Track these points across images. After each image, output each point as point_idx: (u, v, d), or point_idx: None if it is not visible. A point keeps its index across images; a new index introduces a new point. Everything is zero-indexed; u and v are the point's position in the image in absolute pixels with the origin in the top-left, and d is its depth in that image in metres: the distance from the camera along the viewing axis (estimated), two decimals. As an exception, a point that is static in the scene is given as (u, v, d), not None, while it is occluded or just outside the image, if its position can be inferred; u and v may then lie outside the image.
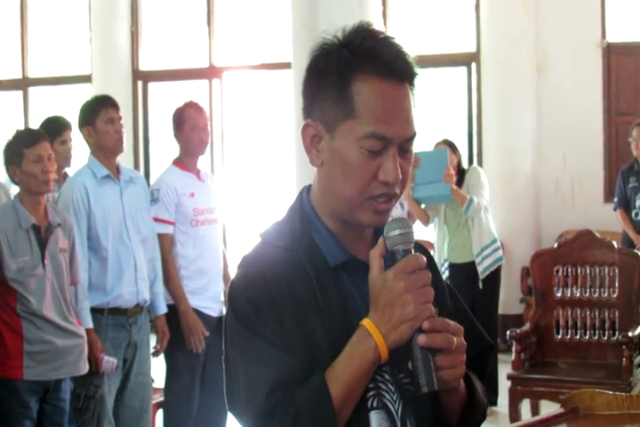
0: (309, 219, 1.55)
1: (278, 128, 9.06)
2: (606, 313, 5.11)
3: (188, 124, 4.50)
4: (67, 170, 5.07)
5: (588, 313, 5.14)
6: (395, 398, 1.49)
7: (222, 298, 4.55)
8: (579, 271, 5.18)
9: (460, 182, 6.10)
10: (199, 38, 9.41)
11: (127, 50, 9.47)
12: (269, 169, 9.28)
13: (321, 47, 1.50)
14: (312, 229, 1.54)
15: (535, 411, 5.01)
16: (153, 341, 4.40)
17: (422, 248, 1.59)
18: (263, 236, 1.56)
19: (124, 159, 5.58)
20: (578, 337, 5.13)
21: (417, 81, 1.51)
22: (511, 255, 7.46)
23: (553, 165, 8.02)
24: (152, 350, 4.37)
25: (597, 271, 5.14)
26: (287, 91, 8.62)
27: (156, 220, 4.38)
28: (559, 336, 5.15)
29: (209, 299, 4.50)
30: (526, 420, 4.38)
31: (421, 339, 1.40)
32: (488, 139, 8.09)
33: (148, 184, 4.63)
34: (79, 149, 4.91)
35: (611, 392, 2.60)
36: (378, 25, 1.44)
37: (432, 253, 5.28)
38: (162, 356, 4.46)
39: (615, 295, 5.10)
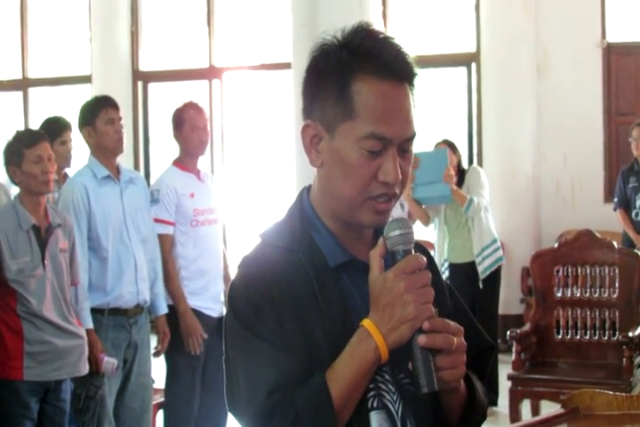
0: (309, 219, 1.55)
1: (278, 128, 9.06)
2: (606, 313, 5.11)
3: (188, 124, 4.50)
4: (67, 170, 5.07)
5: (588, 313, 5.14)
6: (395, 398, 1.49)
7: (222, 298, 4.55)
8: (579, 271, 5.18)
9: (460, 182, 6.10)
10: (199, 38, 9.41)
11: (127, 50, 9.47)
12: (269, 169, 9.28)
13: (320, 48, 1.50)
14: (312, 229, 1.54)
15: (535, 411, 5.01)
16: (153, 341, 4.40)
17: (422, 248, 1.59)
18: (263, 236, 1.56)
19: (124, 160, 5.58)
20: (578, 337, 5.13)
21: (417, 81, 1.51)
22: (511, 255, 7.46)
23: (553, 166, 8.02)
24: (153, 351, 4.37)
25: (598, 271, 5.15)
26: (287, 91, 8.62)
27: (156, 220, 4.38)
28: (559, 336, 5.15)
29: (209, 299, 4.50)
30: (527, 420, 4.38)
31: (421, 339, 1.40)
32: (488, 139, 8.09)
33: (149, 185, 4.63)
34: (79, 149, 4.91)
35: (611, 393, 2.60)
36: (378, 25, 1.44)
37: (432, 253, 5.29)
38: (162, 356, 4.46)
39: (615, 295, 5.10)
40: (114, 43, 9.41)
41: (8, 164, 3.82)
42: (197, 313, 4.46)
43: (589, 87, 7.97)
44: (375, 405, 1.48)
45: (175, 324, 4.38)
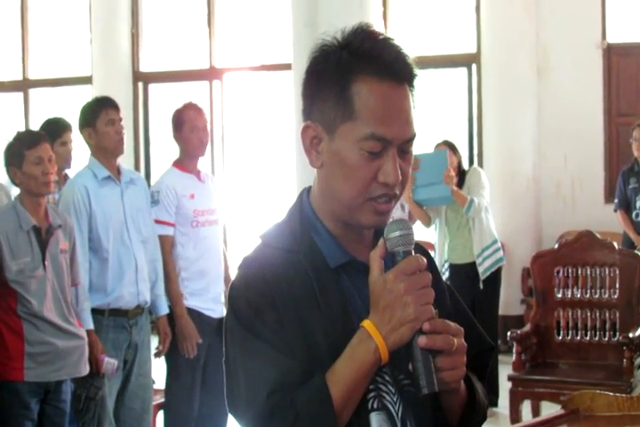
0: (309, 220, 1.55)
1: (279, 129, 9.06)
2: (607, 314, 5.11)
3: (188, 125, 4.50)
4: (67, 171, 5.07)
5: (588, 314, 5.14)
6: (395, 399, 1.49)
7: (223, 299, 4.55)
8: (579, 272, 5.18)
9: (460, 183, 6.10)
10: (199, 39, 9.41)
11: (128, 51, 9.47)
12: (270, 170, 9.28)
13: (320, 49, 1.50)
14: (312, 230, 1.54)
15: (536, 412, 5.01)
16: (154, 342, 4.40)
17: (422, 249, 1.59)
18: (263, 237, 1.56)
19: (125, 160, 5.58)
20: (578, 338, 5.13)
21: (416, 82, 1.51)
22: (512, 256, 7.46)
23: (553, 166, 8.02)
24: (154, 352, 4.37)
25: (598, 272, 5.15)
26: (288, 92, 8.62)
27: (156, 221, 4.38)
28: (560, 337, 5.15)
29: (209, 300, 4.50)
30: (527, 421, 4.38)
31: (422, 340, 1.40)
32: (488, 140, 8.09)
33: (149, 185, 4.63)
34: (80, 150, 4.91)
35: (611, 393, 2.60)
36: (378, 26, 1.44)
37: (432, 254, 5.30)
38: (162, 357, 4.46)
39: (616, 296, 5.10)
40: (114, 44, 9.41)
41: (8, 164, 3.82)
42: (198, 314, 4.46)
43: (590, 88, 7.97)
44: (375, 406, 1.48)
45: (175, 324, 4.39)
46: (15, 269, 3.68)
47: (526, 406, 5.02)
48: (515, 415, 4.91)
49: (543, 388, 4.89)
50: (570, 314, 5.17)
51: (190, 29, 9.51)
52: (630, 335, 4.77)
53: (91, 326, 3.98)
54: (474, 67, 8.28)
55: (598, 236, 5.25)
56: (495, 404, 5.77)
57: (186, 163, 4.56)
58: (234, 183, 9.19)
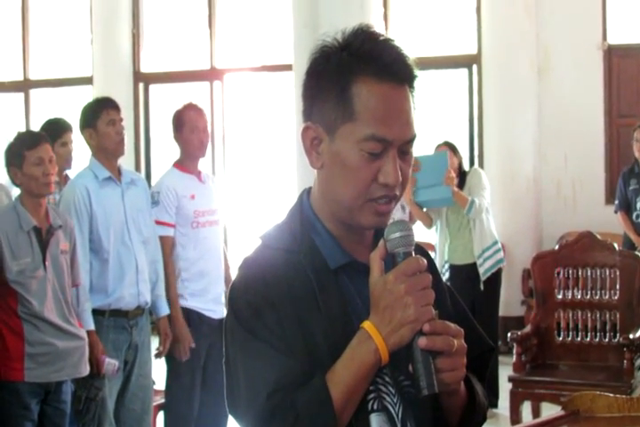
0: (310, 221, 1.55)
1: (279, 130, 9.06)
2: (607, 315, 5.11)
3: (188, 125, 4.50)
4: (67, 172, 5.07)
5: (589, 315, 5.14)
6: (395, 400, 1.49)
7: (223, 300, 4.54)
8: (580, 273, 5.18)
9: (461, 184, 6.10)
10: (200, 40, 9.42)
11: (128, 52, 9.47)
12: (270, 171, 9.28)
13: (320, 50, 1.50)
14: (312, 231, 1.54)
15: (536, 413, 5.01)
16: (155, 342, 4.40)
17: (422, 250, 1.59)
18: (264, 238, 1.56)
19: (125, 161, 5.58)
20: (579, 339, 5.13)
21: (417, 83, 1.51)
22: (512, 257, 7.46)
23: (554, 167, 8.02)
24: (155, 352, 4.37)
25: (598, 273, 5.15)
26: (288, 93, 8.62)
27: (157, 222, 4.38)
28: (560, 338, 5.15)
29: (210, 301, 4.50)
30: (527, 422, 4.38)
31: (422, 341, 1.40)
32: (489, 141, 8.09)
33: (150, 186, 4.63)
34: (80, 151, 4.91)
35: (612, 395, 2.60)
36: (379, 27, 1.44)
37: (433, 255, 5.30)
38: (163, 357, 4.46)
39: (616, 297, 5.10)
40: (115, 44, 9.42)
41: (9, 165, 3.82)
42: (198, 315, 4.46)
43: (590, 89, 7.97)
44: (375, 407, 1.48)
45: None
46: (16, 270, 3.68)
47: (526, 408, 5.02)
48: (515, 416, 4.90)
49: (543, 389, 4.89)
50: (570, 315, 5.17)
51: (191, 30, 9.51)
52: (631, 336, 4.77)
53: (91, 326, 3.97)
54: (474, 68, 8.28)
55: (599, 237, 5.25)
56: (495, 405, 5.75)
57: (186, 163, 4.56)
58: (234, 184, 9.19)
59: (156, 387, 4.52)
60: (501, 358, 5.87)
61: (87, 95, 8.92)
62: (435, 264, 1.64)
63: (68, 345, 3.77)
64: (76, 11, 9.85)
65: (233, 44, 9.30)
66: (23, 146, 3.79)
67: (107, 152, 4.18)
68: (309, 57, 1.52)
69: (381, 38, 1.49)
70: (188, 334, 4.37)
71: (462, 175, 6.18)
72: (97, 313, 4.05)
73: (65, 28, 10.00)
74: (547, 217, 8.01)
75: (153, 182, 5.05)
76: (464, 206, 5.95)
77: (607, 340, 5.07)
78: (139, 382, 4.21)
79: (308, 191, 1.59)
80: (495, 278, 6.10)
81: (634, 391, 4.62)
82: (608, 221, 7.17)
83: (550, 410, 4.22)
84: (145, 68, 9.57)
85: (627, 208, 6.81)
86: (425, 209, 6.24)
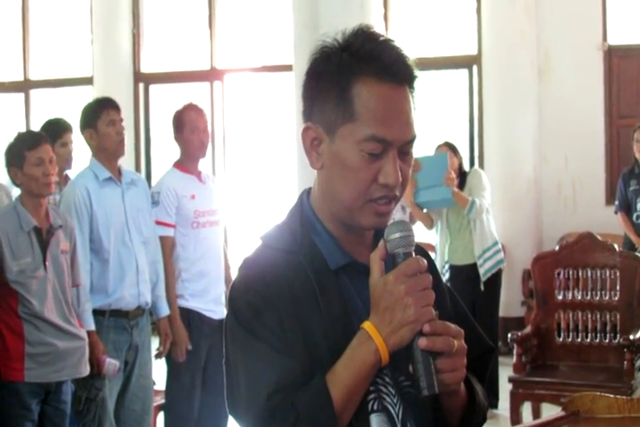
0: (310, 222, 1.55)
1: (279, 130, 9.06)
2: (607, 316, 5.11)
3: (188, 126, 4.50)
4: (67, 172, 5.07)
5: (589, 316, 5.14)
6: (395, 401, 1.49)
7: (224, 300, 4.54)
8: (580, 274, 5.18)
9: (461, 185, 6.10)
10: (201, 40, 9.42)
11: (129, 52, 9.47)
12: (270, 171, 9.28)
13: (321, 50, 1.50)
14: (312, 231, 1.54)
15: (536, 414, 5.01)
16: (155, 343, 4.40)
17: (422, 251, 1.59)
18: (264, 238, 1.56)
19: (126, 161, 5.58)
20: (579, 340, 5.13)
21: (417, 84, 1.51)
22: (512, 258, 7.46)
23: (554, 168, 8.02)
24: (155, 353, 4.37)
25: (599, 274, 5.14)
26: (289, 93, 8.62)
27: (157, 223, 4.38)
28: (560, 339, 5.15)
29: (210, 301, 4.50)
30: (527, 423, 4.38)
31: (422, 342, 1.40)
32: (489, 141, 8.09)
33: (150, 186, 4.63)
34: (80, 151, 4.91)
35: (612, 395, 2.60)
36: (379, 27, 1.44)
37: (433, 255, 5.30)
38: (163, 358, 4.46)
39: (616, 298, 5.10)
40: (115, 44, 9.42)
41: (9, 165, 3.82)
42: (198, 315, 4.46)
43: (590, 90, 7.97)
44: (375, 407, 1.48)
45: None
46: (16, 270, 3.68)
47: (527, 408, 5.02)
48: (515, 417, 4.90)
49: (544, 390, 4.89)
50: (570, 316, 5.17)
51: (191, 30, 9.52)
52: (631, 337, 4.77)
53: (92, 326, 3.97)
54: (474, 68, 8.28)
55: (599, 238, 5.25)
56: (495, 406, 5.75)
57: (186, 164, 4.55)
58: (234, 184, 9.19)
59: (156, 387, 4.52)
60: (502, 359, 5.87)
61: (87, 95, 8.92)
62: (435, 265, 1.64)
63: (68, 345, 3.77)
64: (77, 11, 9.85)
65: (233, 45, 9.31)
66: (23, 146, 3.79)
67: (107, 152, 4.18)
68: (309, 57, 1.52)
69: (381, 39, 1.49)
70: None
71: (463, 176, 6.18)
72: (97, 313, 4.04)
73: (65, 29, 10.01)
74: (547, 218, 8.01)
75: (153, 183, 5.05)
76: (464, 207, 5.95)
77: (607, 341, 5.07)
78: (139, 382, 4.21)
79: (308, 192, 1.59)
80: (495, 279, 6.10)
81: (634, 392, 4.61)
82: (608, 222, 7.17)
83: (550, 411, 4.22)
84: (145, 68, 9.57)
85: (627, 209, 6.81)
86: (425, 210, 6.24)
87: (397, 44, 1.49)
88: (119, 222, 4.14)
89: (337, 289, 1.49)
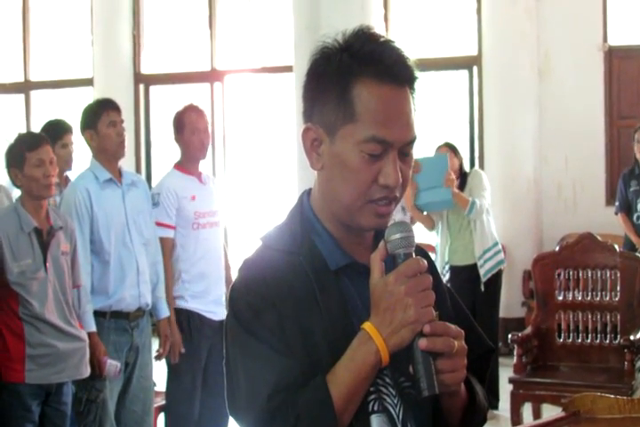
0: (310, 222, 1.55)
1: (280, 131, 9.06)
2: (608, 317, 5.11)
3: (189, 127, 4.50)
4: (68, 173, 5.07)
5: (589, 317, 5.14)
6: (396, 401, 1.49)
7: (224, 301, 4.54)
8: (580, 275, 5.18)
9: (462, 186, 6.11)
10: (201, 41, 9.42)
11: (129, 53, 9.47)
12: (271, 172, 9.28)
13: (321, 51, 1.50)
14: (313, 232, 1.54)
15: (537, 415, 5.01)
16: (155, 344, 4.40)
17: (423, 252, 1.59)
18: (264, 239, 1.56)
19: (126, 163, 5.58)
20: (579, 341, 5.13)
21: (417, 85, 1.51)
22: (513, 258, 7.46)
23: (555, 169, 8.02)
24: (155, 354, 4.37)
25: (599, 275, 5.14)
26: (289, 94, 8.62)
27: (157, 224, 4.38)
28: (561, 340, 5.15)
29: (210, 302, 4.50)
30: (528, 423, 4.38)
31: (422, 343, 1.40)
32: (490, 142, 8.09)
33: (150, 188, 4.63)
34: (81, 152, 4.91)
35: (612, 396, 2.60)
36: (379, 28, 1.44)
37: (433, 256, 5.30)
38: (163, 359, 4.46)
39: (617, 299, 5.10)
40: (116, 45, 9.42)
41: (10, 166, 3.82)
42: (199, 316, 4.46)
43: (591, 90, 7.97)
44: (376, 408, 1.48)
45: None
46: (16, 271, 3.68)
47: (527, 409, 5.02)
48: (516, 418, 4.90)
49: (544, 390, 4.88)
50: (571, 316, 5.17)
51: (191, 31, 9.52)
52: (631, 338, 4.77)
53: (93, 328, 3.97)
54: (475, 69, 8.28)
55: (599, 238, 5.25)
56: (495, 406, 5.76)
57: (187, 165, 4.56)
58: (235, 185, 9.20)
59: (156, 388, 4.52)
60: (502, 360, 5.88)
61: (88, 97, 8.93)
62: (435, 265, 1.64)
63: (68, 347, 3.77)
64: (77, 12, 9.86)
65: (233, 46, 9.31)
66: (24, 147, 3.79)
67: (107, 154, 4.18)
68: (310, 58, 1.52)
69: (382, 40, 1.49)
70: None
71: (463, 176, 6.18)
72: (98, 315, 4.05)
73: (65, 30, 10.01)
74: (547, 218, 8.01)
75: (153, 184, 5.05)
76: (465, 207, 5.96)
77: (608, 341, 5.07)
78: (140, 383, 4.21)
79: (308, 192, 1.59)
80: (496, 280, 6.10)
81: (634, 393, 4.62)
82: (608, 223, 7.17)
83: (551, 411, 4.22)
84: (145, 69, 9.58)
85: (627, 209, 6.81)
86: (425, 213, 6.25)
87: (398, 44, 1.49)
88: (120, 224, 4.14)
89: (337, 290, 1.49)
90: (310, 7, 8.29)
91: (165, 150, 8.50)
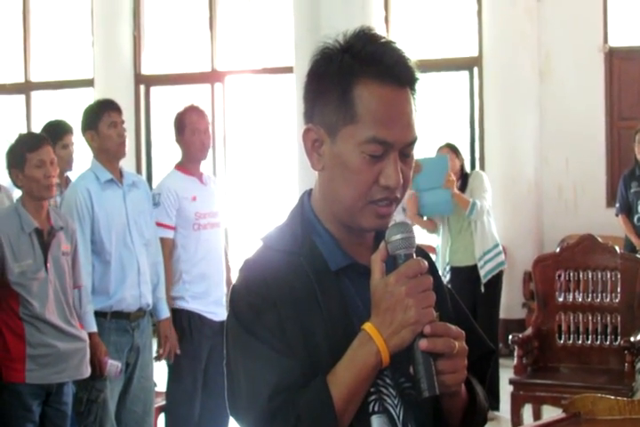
0: (310, 223, 1.55)
1: (280, 132, 9.07)
2: (608, 318, 5.11)
3: (189, 128, 4.51)
4: (68, 174, 5.07)
5: (590, 318, 5.14)
6: (396, 402, 1.49)
7: (225, 302, 4.54)
8: (581, 276, 5.18)
9: (462, 187, 6.11)
10: (201, 42, 9.42)
11: (129, 54, 9.48)
12: (271, 173, 9.28)
13: (322, 52, 1.50)
14: (313, 233, 1.54)
15: (537, 416, 5.00)
16: (155, 345, 4.40)
17: (423, 253, 1.59)
18: (265, 240, 1.56)
19: (127, 163, 5.59)
20: (580, 342, 5.13)
21: (418, 85, 1.51)
22: (513, 260, 7.46)
23: (555, 170, 8.02)
24: (155, 355, 4.37)
25: (599, 276, 5.14)
26: (289, 95, 8.63)
27: (157, 224, 4.38)
28: (561, 341, 5.15)
29: (211, 303, 4.50)
30: (528, 425, 4.38)
31: (423, 343, 1.40)
32: (490, 143, 8.09)
33: (151, 188, 4.63)
34: (82, 153, 4.91)
35: (613, 397, 2.60)
36: (380, 29, 1.44)
37: (434, 257, 5.30)
38: (164, 359, 4.46)
39: (617, 300, 5.10)
40: (116, 46, 9.42)
41: (11, 167, 3.82)
42: (199, 317, 4.46)
43: (591, 91, 7.97)
44: (376, 409, 1.48)
45: (176, 327, 4.39)
46: (17, 272, 3.69)
47: (527, 410, 5.01)
48: (516, 419, 4.90)
49: (544, 392, 4.88)
50: (571, 318, 5.16)
51: (192, 32, 9.52)
52: (632, 339, 4.77)
53: (94, 328, 3.98)
54: (475, 70, 8.28)
55: (600, 240, 5.25)
56: (496, 408, 5.76)
57: (188, 166, 4.56)
58: (236, 186, 9.20)
59: (157, 389, 4.52)
60: (502, 361, 5.87)
61: (88, 97, 8.93)
62: (435, 266, 1.64)
63: (69, 347, 3.77)
64: (77, 13, 9.86)
65: (234, 47, 9.31)
66: (24, 148, 3.79)
67: (108, 154, 4.18)
68: (311, 59, 1.52)
69: (383, 40, 1.49)
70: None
71: (464, 178, 6.18)
72: (99, 315, 4.05)
73: (66, 31, 10.01)
74: (548, 220, 8.01)
75: (154, 185, 5.05)
76: (465, 208, 5.96)
77: (608, 343, 5.07)
78: (140, 384, 4.21)
79: (308, 193, 1.59)
80: (496, 281, 6.10)
81: (635, 394, 4.61)
82: (609, 224, 7.17)
83: (551, 413, 4.22)
84: (146, 70, 9.58)
85: (628, 211, 6.81)
86: (425, 218, 6.26)
87: (398, 45, 1.49)
88: (120, 224, 4.14)
89: (337, 290, 1.49)
90: (311, 8, 8.29)
91: (166, 151, 8.50)
